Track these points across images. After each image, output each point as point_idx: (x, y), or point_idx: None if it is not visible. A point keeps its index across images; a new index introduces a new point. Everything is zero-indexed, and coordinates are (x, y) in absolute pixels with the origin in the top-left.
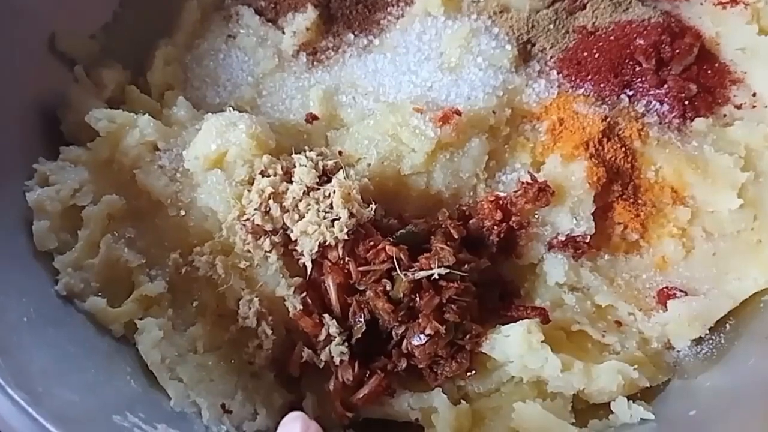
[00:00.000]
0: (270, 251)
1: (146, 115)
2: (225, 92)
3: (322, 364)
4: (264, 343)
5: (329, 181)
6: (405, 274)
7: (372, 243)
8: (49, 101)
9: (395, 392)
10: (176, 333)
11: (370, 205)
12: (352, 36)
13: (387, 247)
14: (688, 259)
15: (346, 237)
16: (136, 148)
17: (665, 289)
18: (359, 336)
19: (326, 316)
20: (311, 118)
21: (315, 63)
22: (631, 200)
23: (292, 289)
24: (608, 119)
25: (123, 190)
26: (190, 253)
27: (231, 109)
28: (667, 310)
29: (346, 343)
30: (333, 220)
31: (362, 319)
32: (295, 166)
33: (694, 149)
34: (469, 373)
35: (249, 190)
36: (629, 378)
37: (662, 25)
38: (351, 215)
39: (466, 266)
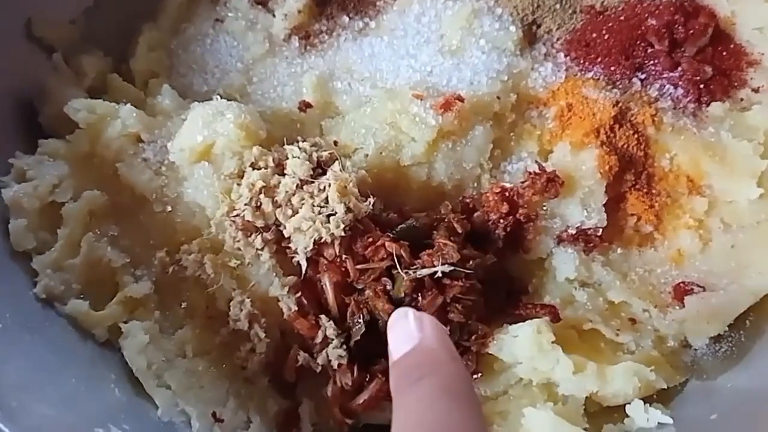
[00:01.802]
0: (262, 249)
1: (128, 104)
2: (213, 79)
3: (319, 368)
4: (257, 346)
5: (324, 173)
6: (406, 272)
7: (371, 239)
8: (26, 91)
9: None
10: (164, 337)
11: (368, 199)
12: (346, 18)
13: (387, 244)
14: (706, 252)
15: (342, 233)
16: (118, 140)
17: (681, 284)
18: (358, 338)
19: (323, 317)
20: (305, 106)
21: (308, 47)
22: (645, 190)
23: (287, 288)
24: (620, 104)
25: (105, 185)
26: (177, 251)
27: (218, 97)
28: (683, 306)
29: (345, 346)
30: (329, 216)
31: (361, 320)
32: (287, 158)
33: (711, 135)
34: (475, 376)
35: (239, 184)
36: (645, 379)
37: (675, 4)
38: (348, 210)
39: (471, 263)
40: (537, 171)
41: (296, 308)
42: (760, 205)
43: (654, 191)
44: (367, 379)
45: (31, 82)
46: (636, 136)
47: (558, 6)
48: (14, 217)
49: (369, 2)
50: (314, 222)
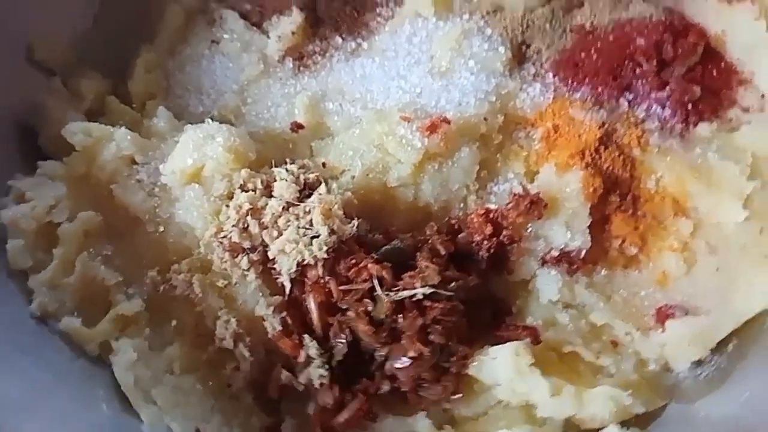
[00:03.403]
0: (248, 270)
1: (123, 127)
2: (209, 100)
3: (302, 387)
4: (242, 364)
5: (311, 195)
6: (387, 294)
7: (354, 261)
8: (26, 114)
9: (377, 416)
10: (153, 354)
11: (353, 221)
12: (339, 39)
13: (369, 266)
14: (690, 274)
15: (325, 255)
16: (113, 162)
17: (664, 308)
18: (340, 358)
19: (306, 336)
20: (296, 127)
21: (301, 68)
22: (630, 212)
23: (272, 308)
24: (606, 125)
25: (100, 206)
26: (168, 270)
27: (210, 120)
28: (665, 329)
29: (327, 365)
30: (312, 238)
31: (343, 340)
32: (275, 180)
33: (698, 157)
34: (455, 396)
35: (227, 206)
36: (622, 404)
37: (664, 23)
38: (332, 232)
39: (453, 284)
40: (521, 193)
41: (280, 328)
42: (745, 228)
43: (639, 213)
44: (349, 398)
45: (30, 104)
46: (622, 157)
47: (548, 26)
48: (12, 237)
49: (362, 23)
50: (298, 244)
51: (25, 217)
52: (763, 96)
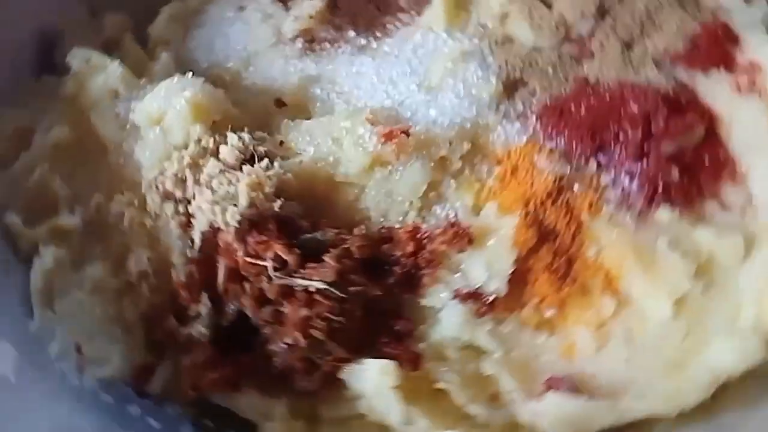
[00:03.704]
0: (172, 217)
1: (117, 62)
2: (215, 59)
3: (182, 338)
4: (140, 301)
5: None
6: (277, 276)
7: (264, 237)
8: (50, 31)
9: (241, 387)
10: (71, 268)
11: (277, 201)
12: (353, 33)
13: (276, 246)
14: (598, 356)
15: (236, 224)
16: (99, 91)
17: (555, 379)
18: (226, 324)
19: (204, 294)
20: (279, 103)
21: (308, 51)
22: (560, 274)
23: (184, 259)
24: (563, 181)
25: (76, 128)
26: (112, 199)
27: (191, 74)
28: None
29: (212, 326)
30: (233, 205)
31: (234, 309)
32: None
33: (647, 240)
34: (325, 396)
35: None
36: None
37: (666, 95)
38: (252, 205)
39: (352, 288)
40: (453, 221)
41: (184, 279)
42: (670, 328)
43: (569, 278)
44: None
45: (55, 25)
46: (568, 217)
47: (550, 69)
48: None
49: (380, 23)
50: (215, 206)
51: (11, 119)
52: (750, 199)
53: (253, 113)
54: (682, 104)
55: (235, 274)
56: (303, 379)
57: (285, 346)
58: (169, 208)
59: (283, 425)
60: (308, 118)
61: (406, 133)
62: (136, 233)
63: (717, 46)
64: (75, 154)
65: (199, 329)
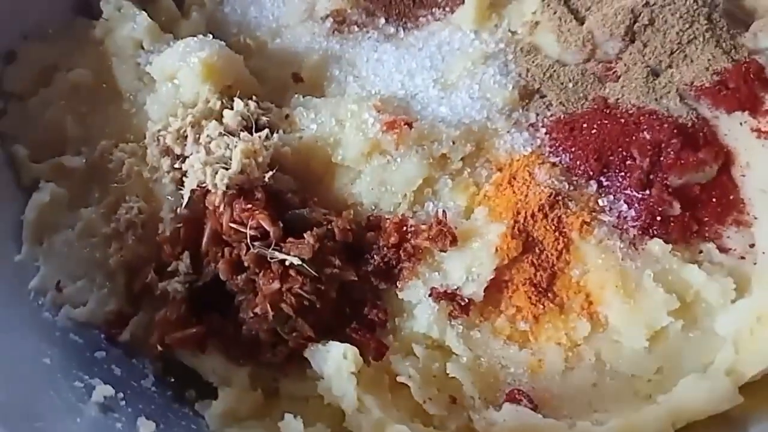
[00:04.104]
0: (168, 172)
1: (144, 14)
2: (246, 26)
3: (158, 292)
4: (124, 249)
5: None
6: (255, 246)
7: (250, 206)
8: None
9: (207, 349)
10: (67, 208)
11: (269, 172)
12: (383, 20)
13: (259, 215)
14: (565, 376)
15: (224, 188)
16: (125, 39)
17: (516, 391)
18: (201, 284)
19: (186, 252)
20: (297, 78)
21: (336, 32)
22: (540, 288)
23: (172, 214)
24: (558, 197)
25: (98, 72)
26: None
27: (211, 36)
28: None
29: (188, 285)
30: (225, 169)
31: (211, 271)
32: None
33: (634, 269)
34: (287, 371)
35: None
36: None
37: (683, 127)
38: (242, 171)
39: (328, 270)
40: (439, 218)
41: (168, 234)
42: (642, 360)
43: (549, 294)
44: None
45: None
46: (557, 233)
47: (571, 85)
48: (18, 63)
49: (413, 15)
50: (207, 167)
51: (40, 52)
52: (752, 246)
53: (270, 84)
54: (699, 139)
55: (218, 238)
56: (268, 351)
57: (253, 316)
58: (166, 163)
59: (241, 392)
60: (321, 97)
61: (409, 125)
62: (133, 183)
63: (746, 88)
64: (91, 97)
65: (176, 286)
